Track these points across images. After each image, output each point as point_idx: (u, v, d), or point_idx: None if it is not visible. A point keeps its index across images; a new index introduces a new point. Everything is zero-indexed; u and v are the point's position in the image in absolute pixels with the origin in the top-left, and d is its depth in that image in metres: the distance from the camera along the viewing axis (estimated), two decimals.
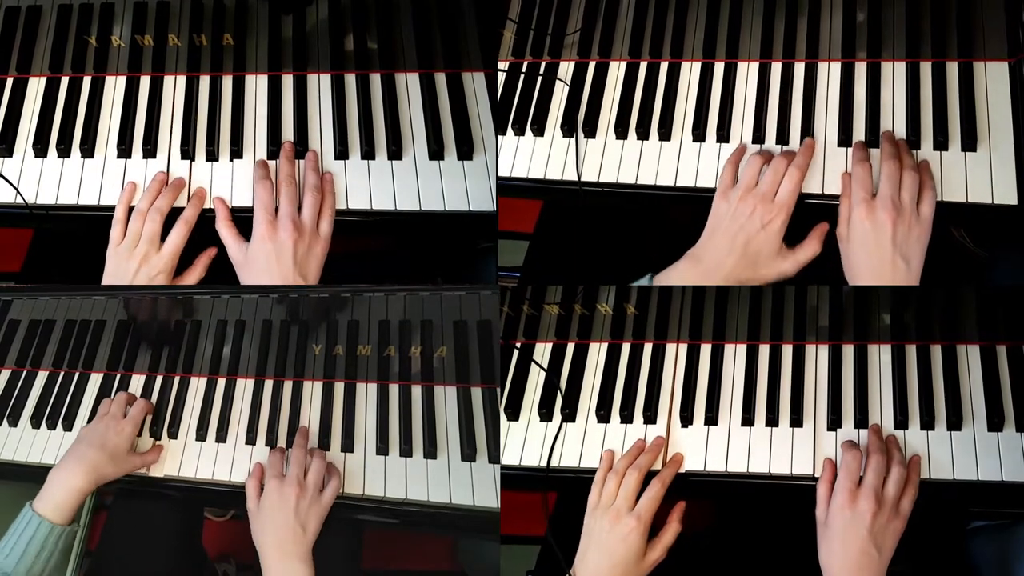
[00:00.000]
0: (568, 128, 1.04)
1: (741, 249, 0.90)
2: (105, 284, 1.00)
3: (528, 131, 1.05)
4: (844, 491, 0.89)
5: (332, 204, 0.98)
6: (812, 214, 0.95)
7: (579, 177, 1.01)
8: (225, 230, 0.99)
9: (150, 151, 1.03)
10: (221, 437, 1.13)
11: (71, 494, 1.00)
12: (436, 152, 1.01)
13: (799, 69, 1.03)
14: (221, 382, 1.19)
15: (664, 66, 1.07)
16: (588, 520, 0.96)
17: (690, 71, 1.06)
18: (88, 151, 1.03)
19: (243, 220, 0.99)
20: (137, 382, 1.21)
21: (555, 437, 1.04)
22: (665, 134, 1.02)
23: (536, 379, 1.10)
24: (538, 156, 1.04)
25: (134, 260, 0.98)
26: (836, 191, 0.94)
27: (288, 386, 1.17)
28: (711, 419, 1.02)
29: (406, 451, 1.08)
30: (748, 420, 1.02)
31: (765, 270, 0.91)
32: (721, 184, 0.95)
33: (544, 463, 1.02)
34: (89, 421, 1.16)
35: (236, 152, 1.03)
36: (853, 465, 0.92)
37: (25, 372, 1.25)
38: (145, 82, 1.08)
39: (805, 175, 0.94)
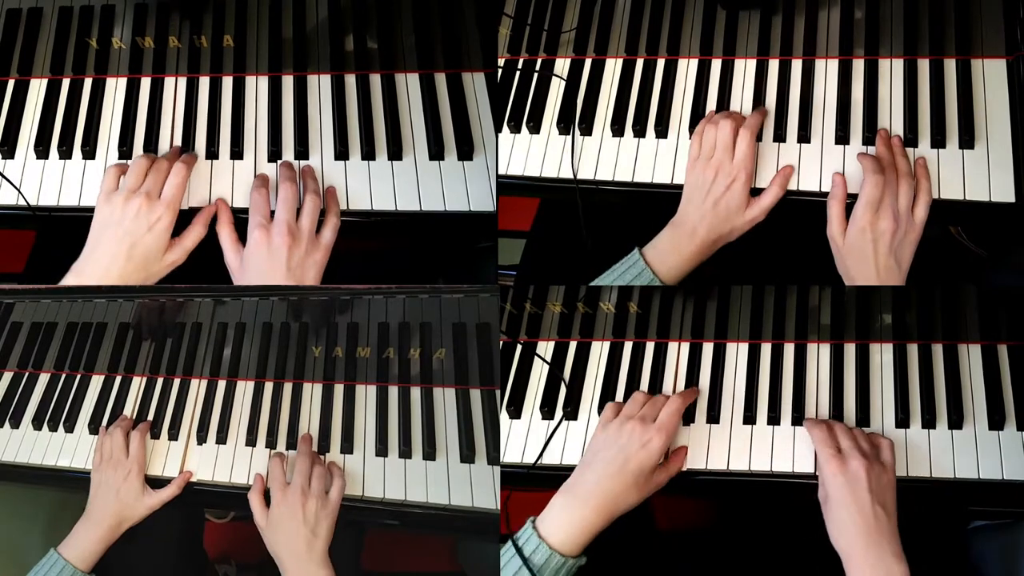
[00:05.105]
0: (564, 125, 1.04)
1: (712, 211, 0.95)
2: (93, 233, 0.94)
3: (524, 129, 1.05)
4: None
5: (337, 213, 0.97)
6: (810, 212, 0.95)
7: (575, 175, 1.01)
8: (225, 234, 0.96)
9: (151, 152, 1.03)
10: (221, 439, 1.13)
11: (97, 544, 1.04)
12: (436, 152, 1.01)
13: (796, 66, 1.03)
14: (221, 384, 1.19)
15: (661, 63, 1.07)
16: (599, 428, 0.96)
17: (687, 68, 1.06)
18: (89, 152, 1.03)
19: (243, 222, 0.98)
20: (137, 384, 1.21)
21: (552, 431, 1.04)
22: (662, 131, 1.02)
23: (538, 377, 1.09)
24: (534, 154, 1.04)
25: (134, 202, 0.93)
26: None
27: (288, 388, 1.17)
28: (713, 417, 1.02)
29: (405, 453, 1.07)
30: (750, 418, 1.01)
31: (737, 222, 0.96)
32: (690, 155, 0.98)
33: (550, 462, 1.02)
34: (90, 424, 1.17)
35: (236, 153, 1.03)
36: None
37: (27, 374, 1.25)
38: (146, 84, 1.08)
39: (755, 134, 0.97)
